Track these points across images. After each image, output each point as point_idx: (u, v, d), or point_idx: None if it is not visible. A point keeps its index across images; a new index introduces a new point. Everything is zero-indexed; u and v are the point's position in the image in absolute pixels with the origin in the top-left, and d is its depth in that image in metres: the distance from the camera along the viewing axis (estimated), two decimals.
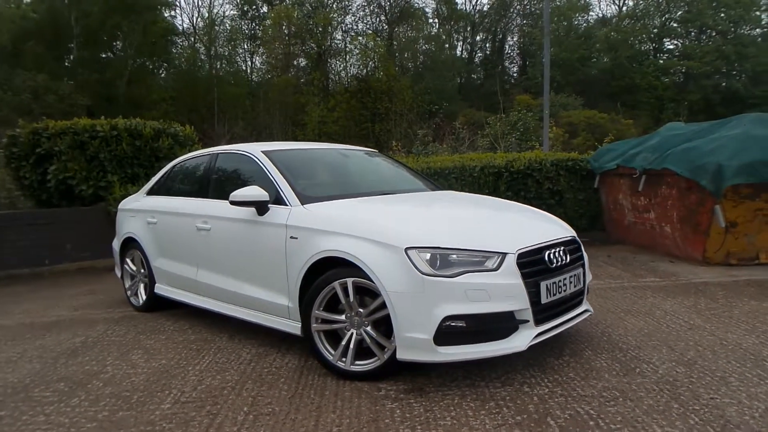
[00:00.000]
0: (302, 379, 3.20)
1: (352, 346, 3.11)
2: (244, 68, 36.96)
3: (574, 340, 3.67)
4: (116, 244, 5.27)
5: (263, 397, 2.97)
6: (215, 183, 4.25)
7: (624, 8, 38.67)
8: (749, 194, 5.57)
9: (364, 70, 34.70)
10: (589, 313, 3.54)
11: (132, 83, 29.00)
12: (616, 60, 35.72)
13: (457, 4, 39.06)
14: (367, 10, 38.19)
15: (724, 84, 35.93)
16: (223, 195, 4.09)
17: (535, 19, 39.39)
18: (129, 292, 5.08)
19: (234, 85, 32.72)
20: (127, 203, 5.31)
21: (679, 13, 36.49)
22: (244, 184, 4.02)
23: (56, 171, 7.79)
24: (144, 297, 4.89)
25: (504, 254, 2.94)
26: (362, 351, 3.15)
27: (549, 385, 2.98)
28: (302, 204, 3.48)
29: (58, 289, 6.27)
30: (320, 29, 36.28)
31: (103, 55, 30.69)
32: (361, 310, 3.08)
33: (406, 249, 2.89)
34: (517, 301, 2.90)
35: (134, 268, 5.01)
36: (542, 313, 3.03)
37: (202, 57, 34.49)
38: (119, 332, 4.35)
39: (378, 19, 38.67)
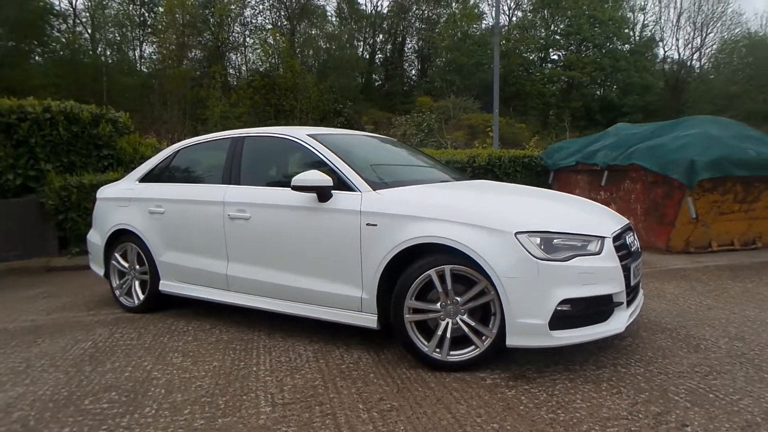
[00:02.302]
0: (393, 373, 3.03)
1: (448, 335, 3.00)
2: (133, 57, 34.40)
3: None
4: (97, 238, 4.65)
5: (368, 393, 2.77)
6: (249, 169, 3.88)
7: (514, 19, 41.09)
8: (710, 188, 6.16)
9: (266, 66, 33.83)
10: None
11: (5, 66, 25.81)
12: (508, 67, 37.83)
13: (359, 3, 39.30)
14: (266, 4, 37.24)
15: (598, 93, 39.58)
16: (262, 181, 3.82)
17: (432, 24, 40.68)
18: (118, 292, 4.50)
19: (126, 74, 30.27)
20: (112, 191, 4.71)
21: (562, 26, 39.52)
22: (290, 169, 3.77)
23: None
24: (141, 296, 4.36)
25: (603, 238, 2.99)
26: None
27: (640, 365, 3.09)
28: (374, 189, 3.30)
29: None
30: (217, 20, 34.78)
31: None
32: (458, 298, 2.98)
33: (516, 233, 2.85)
34: (617, 284, 2.97)
35: (126, 264, 4.46)
36: (630, 295, 3.13)
37: (87, 42, 31.54)
38: (130, 335, 3.84)
39: (278, 15, 37.86)
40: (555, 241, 2.90)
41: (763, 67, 33.09)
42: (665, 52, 41.09)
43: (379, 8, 40.22)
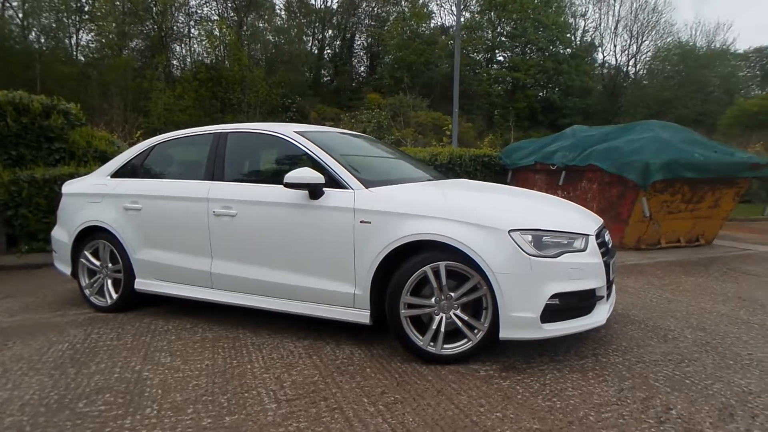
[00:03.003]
0: (389, 367, 3.10)
1: (442, 329, 3.10)
2: (69, 44, 32.73)
3: None
4: (64, 236, 4.47)
5: (369, 387, 2.83)
6: (234, 165, 3.84)
7: (462, 20, 41.75)
8: (661, 189, 6.55)
9: (212, 58, 33.02)
10: None
11: None
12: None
13: None
14: None
15: (541, 95, 40.90)
16: (248, 178, 3.81)
17: (382, 21, 40.88)
18: (88, 291, 4.35)
19: (62, 62, 28.78)
20: (80, 187, 4.53)
21: (508, 28, 40.59)
22: (278, 166, 3.77)
23: None
24: (114, 295, 4.23)
25: (587, 235, 3.17)
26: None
27: (617, 354, 3.29)
28: (366, 188, 3.35)
29: None
30: (160, 9, 33.60)
31: None
32: (451, 294, 3.09)
33: (510, 231, 2.98)
34: (599, 279, 3.15)
35: (97, 262, 4.31)
36: (608, 289, 3.33)
37: (18, 28, 29.78)
38: (108, 336, 3.73)
39: (225, 6, 36.98)
40: (544, 238, 3.05)
41: (692, 75, 35.13)
42: (604, 57, 42.95)
43: (328, 3, 40.01)
